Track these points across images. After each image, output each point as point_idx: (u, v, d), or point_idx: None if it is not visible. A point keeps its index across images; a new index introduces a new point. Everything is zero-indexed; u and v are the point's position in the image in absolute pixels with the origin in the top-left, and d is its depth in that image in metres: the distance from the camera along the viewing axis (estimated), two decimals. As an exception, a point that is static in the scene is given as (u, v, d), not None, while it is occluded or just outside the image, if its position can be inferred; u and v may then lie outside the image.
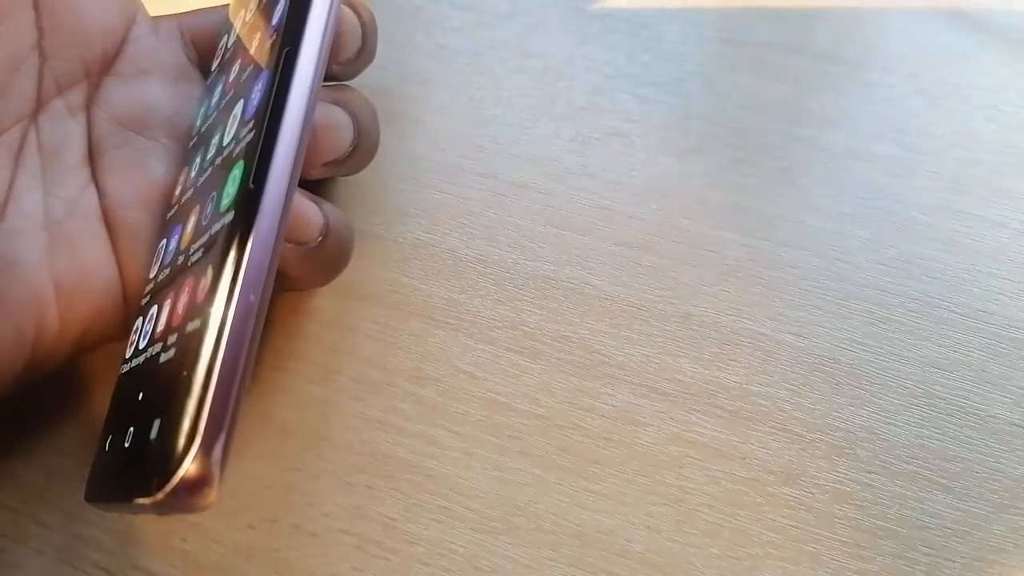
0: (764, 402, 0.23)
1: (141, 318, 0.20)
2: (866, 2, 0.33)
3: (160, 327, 0.19)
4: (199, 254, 0.18)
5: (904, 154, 0.28)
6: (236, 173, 0.18)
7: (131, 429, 0.17)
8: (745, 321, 0.25)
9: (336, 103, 0.22)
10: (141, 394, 0.18)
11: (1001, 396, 0.23)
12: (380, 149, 0.29)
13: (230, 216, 0.17)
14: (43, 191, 0.21)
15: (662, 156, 0.28)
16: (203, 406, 0.15)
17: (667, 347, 0.24)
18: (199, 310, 0.17)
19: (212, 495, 0.15)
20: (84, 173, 0.22)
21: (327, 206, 0.22)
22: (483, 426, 0.23)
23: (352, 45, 0.23)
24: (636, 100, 0.30)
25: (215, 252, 0.17)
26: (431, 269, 0.26)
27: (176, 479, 0.15)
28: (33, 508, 0.22)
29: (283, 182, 0.17)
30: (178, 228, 0.20)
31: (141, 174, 0.22)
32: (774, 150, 0.28)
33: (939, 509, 0.21)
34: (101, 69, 0.23)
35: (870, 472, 0.22)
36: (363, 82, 0.30)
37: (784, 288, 0.25)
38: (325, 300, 0.25)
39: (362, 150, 0.23)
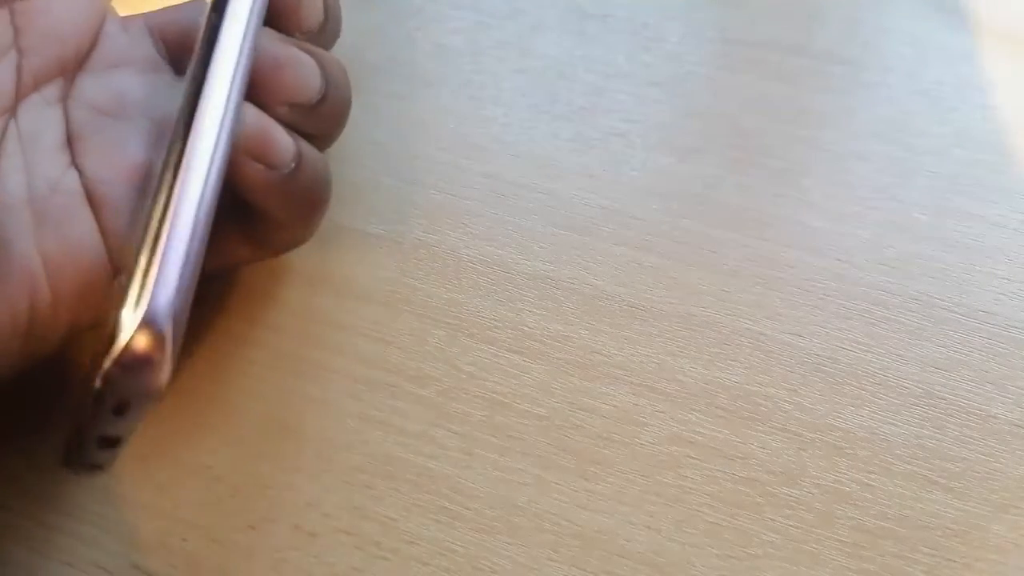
0: (764, 402, 0.23)
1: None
2: (866, 2, 0.33)
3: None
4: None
5: (904, 154, 0.28)
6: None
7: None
8: (745, 321, 0.25)
9: (301, 50, 0.23)
10: None
11: (1001, 396, 0.23)
12: (380, 149, 0.29)
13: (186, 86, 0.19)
14: (26, 173, 0.22)
15: (662, 156, 0.28)
16: (148, 273, 0.16)
17: (667, 347, 0.24)
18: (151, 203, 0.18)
19: (163, 370, 0.15)
20: (64, 157, 0.22)
21: (302, 142, 0.22)
22: (483, 426, 0.23)
23: (313, 16, 0.23)
24: (636, 100, 0.30)
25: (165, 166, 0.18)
26: (431, 269, 0.26)
27: (117, 349, 0.15)
28: (33, 508, 0.22)
29: (226, 76, 0.19)
30: None
31: (120, 153, 0.23)
32: (774, 150, 0.28)
33: (939, 509, 0.21)
34: (75, 66, 0.24)
35: (870, 472, 0.22)
36: (363, 82, 0.30)
37: (784, 288, 0.25)
38: (325, 300, 0.25)
39: (332, 103, 0.23)
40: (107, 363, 0.15)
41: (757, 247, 0.26)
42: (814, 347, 0.24)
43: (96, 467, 0.19)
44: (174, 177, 0.18)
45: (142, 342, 0.16)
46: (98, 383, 0.16)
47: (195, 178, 0.18)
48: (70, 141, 0.23)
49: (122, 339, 0.15)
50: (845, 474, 0.22)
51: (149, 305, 0.16)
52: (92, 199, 0.22)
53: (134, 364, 0.16)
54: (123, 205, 0.22)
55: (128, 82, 0.24)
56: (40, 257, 0.21)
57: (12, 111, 0.22)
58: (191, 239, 0.17)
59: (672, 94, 0.30)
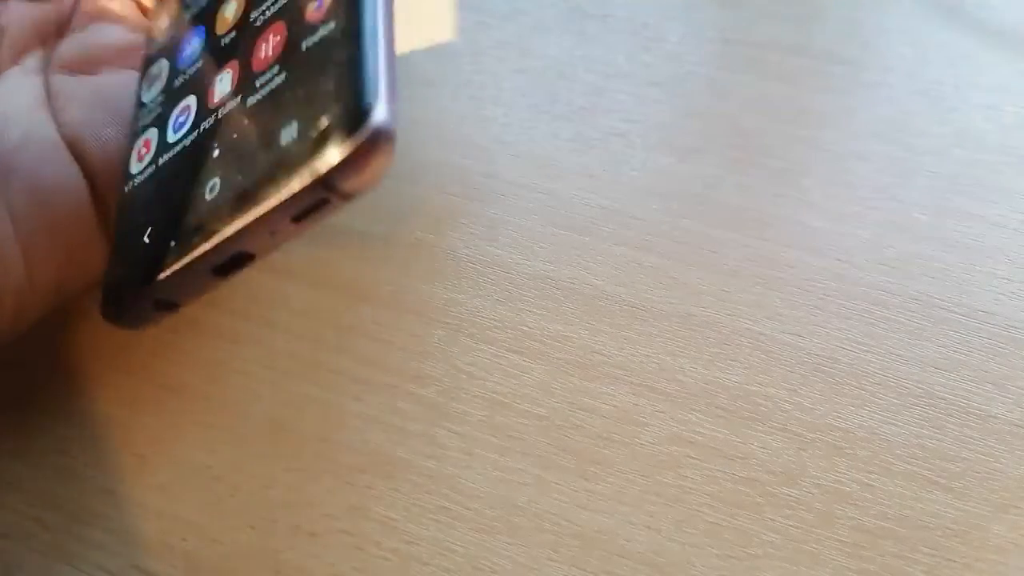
0: (764, 402, 0.23)
1: (158, 128, 0.21)
2: (866, 2, 0.33)
3: (236, 83, 0.20)
4: (278, 4, 0.20)
5: (904, 154, 0.28)
6: None
7: (215, 180, 0.19)
8: (745, 321, 0.25)
9: None
10: (220, 147, 0.19)
11: (1001, 396, 0.23)
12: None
13: None
14: None
15: (662, 156, 0.28)
16: (369, 70, 0.17)
17: (667, 347, 0.24)
18: (328, 16, 0.18)
19: (393, 150, 0.17)
20: (41, 114, 0.23)
21: None
22: (483, 426, 0.23)
23: None
24: (636, 100, 0.30)
25: None
26: (431, 269, 0.26)
27: (371, 127, 0.16)
28: (35, 509, 0.22)
29: None
30: (194, 33, 0.22)
31: (100, 103, 0.23)
32: (774, 150, 0.28)
33: (939, 509, 0.21)
34: (57, 32, 0.24)
35: (870, 472, 0.22)
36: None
37: (784, 288, 0.25)
38: (325, 300, 0.25)
39: None
40: (351, 141, 0.16)
41: (757, 247, 0.26)
42: (814, 347, 0.24)
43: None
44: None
45: (378, 149, 0.17)
46: (334, 165, 0.17)
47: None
48: (49, 100, 0.23)
49: (372, 117, 0.16)
50: (845, 474, 0.22)
51: (374, 107, 0.17)
52: (73, 146, 0.22)
53: (379, 139, 0.17)
54: (111, 148, 0.22)
55: (106, 34, 0.24)
56: (7, 211, 0.20)
57: None
58: (388, 44, 0.18)
59: (672, 94, 0.30)
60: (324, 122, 0.17)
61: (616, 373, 0.24)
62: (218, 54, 0.21)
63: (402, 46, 0.32)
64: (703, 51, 0.31)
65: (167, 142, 0.21)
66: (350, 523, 0.22)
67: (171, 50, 0.23)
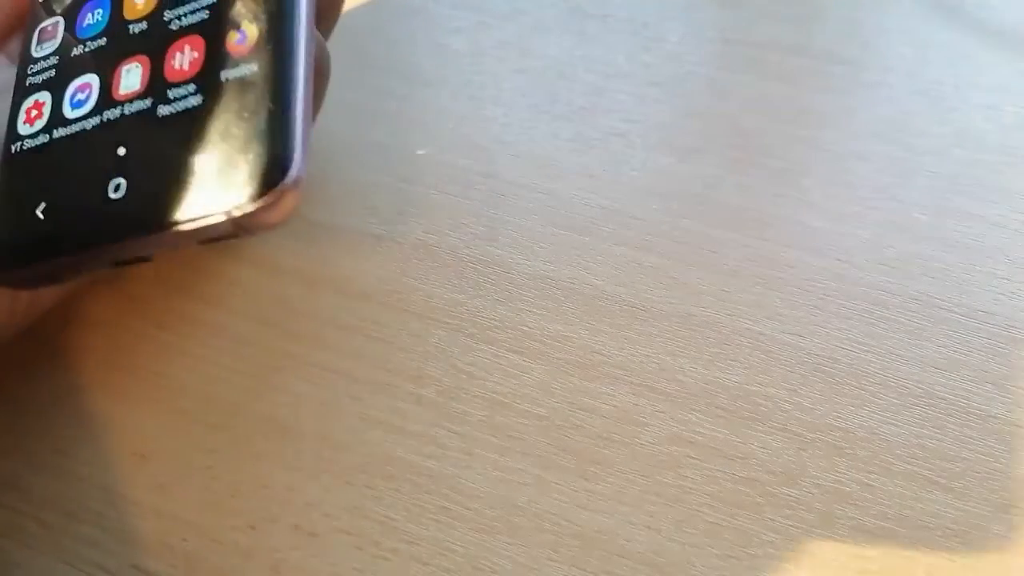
0: (764, 402, 0.23)
1: (51, 94, 0.21)
2: (866, 2, 0.33)
3: (146, 84, 0.20)
4: (196, 16, 0.20)
5: (904, 154, 0.28)
6: None
7: (119, 180, 0.19)
8: (745, 321, 0.25)
9: None
10: (127, 147, 0.19)
11: (1001, 396, 0.23)
12: (380, 149, 0.29)
13: None
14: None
15: (662, 156, 0.28)
16: (290, 124, 0.18)
17: (667, 347, 0.24)
18: (250, 56, 0.19)
19: (301, 193, 0.18)
20: None
21: None
22: (483, 426, 0.23)
23: None
24: (636, 100, 0.30)
25: (258, 7, 0.19)
26: (431, 269, 0.26)
27: (289, 179, 0.17)
28: (33, 508, 0.22)
29: None
30: (97, 4, 0.22)
31: None
32: (774, 150, 0.28)
33: (939, 509, 0.21)
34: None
35: (870, 472, 0.22)
36: (363, 83, 0.31)
37: (784, 288, 0.25)
38: (325, 300, 0.25)
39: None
40: (264, 199, 0.17)
41: (757, 247, 0.26)
42: (814, 347, 0.24)
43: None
44: (281, 44, 0.19)
45: (291, 197, 0.18)
46: (241, 212, 0.17)
47: (301, 39, 0.19)
48: None
49: (289, 174, 0.17)
50: (845, 474, 0.22)
51: (293, 160, 0.18)
52: None
53: (291, 192, 0.18)
54: None
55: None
56: None
57: None
58: (306, 96, 0.19)
59: (672, 94, 0.30)
60: (243, 166, 0.18)
61: (616, 373, 0.24)
62: (125, 41, 0.21)
63: (402, 46, 0.32)
64: (703, 51, 0.31)
65: (64, 116, 0.21)
66: (350, 523, 0.22)
67: (69, 11, 0.23)
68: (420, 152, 0.29)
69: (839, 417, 0.23)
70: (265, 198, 0.17)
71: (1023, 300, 0.25)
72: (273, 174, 0.17)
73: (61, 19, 0.23)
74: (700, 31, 0.32)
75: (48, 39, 0.23)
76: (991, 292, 0.25)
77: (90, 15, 0.22)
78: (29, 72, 0.22)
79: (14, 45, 0.24)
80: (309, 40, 0.19)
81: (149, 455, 0.23)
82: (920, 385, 0.23)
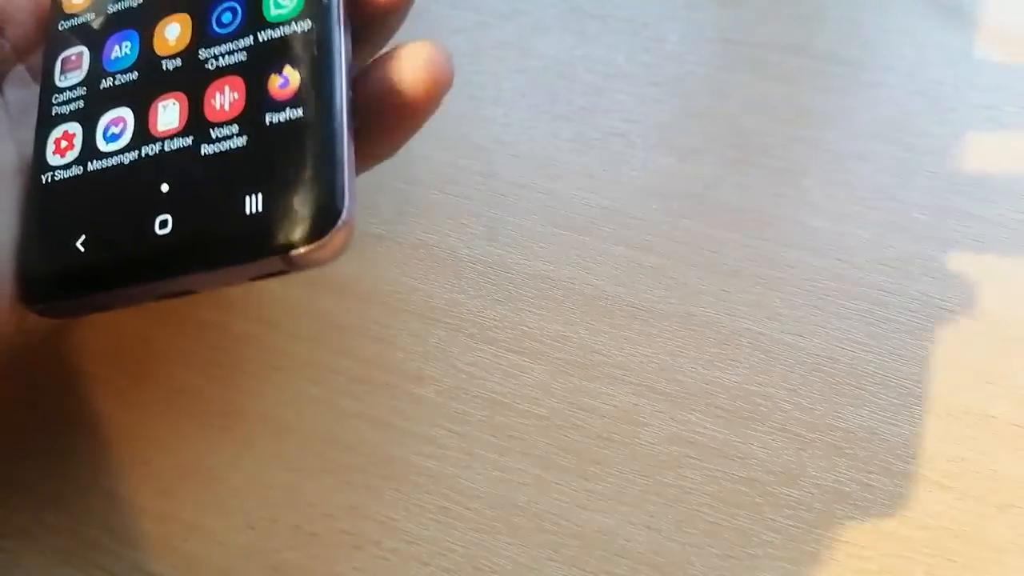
0: (764, 402, 0.23)
1: (82, 125, 0.21)
2: (866, 2, 0.33)
3: (185, 121, 0.20)
4: (235, 58, 0.20)
5: (904, 154, 0.28)
6: None
7: (166, 216, 0.19)
8: (745, 321, 0.25)
9: None
10: (170, 184, 0.19)
11: (1001, 396, 0.23)
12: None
13: (307, 23, 0.20)
14: (15, 143, 0.21)
15: (662, 156, 0.28)
16: (341, 167, 0.18)
17: (667, 347, 0.24)
18: (295, 100, 0.19)
19: (352, 235, 0.18)
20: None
21: None
22: (483, 426, 0.23)
23: None
24: (636, 100, 0.30)
25: (298, 52, 0.20)
26: (431, 269, 0.26)
27: (341, 222, 0.18)
28: (36, 510, 0.22)
29: None
30: (124, 36, 0.22)
31: None
32: (774, 150, 0.28)
33: (939, 509, 0.21)
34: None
35: (870, 472, 0.22)
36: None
37: (784, 288, 0.25)
38: (325, 300, 0.25)
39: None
40: (316, 242, 0.18)
41: (757, 247, 0.26)
42: (814, 347, 0.24)
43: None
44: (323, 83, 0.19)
45: (342, 237, 0.18)
46: (298, 255, 0.18)
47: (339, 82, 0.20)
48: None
49: (340, 219, 0.18)
50: (845, 474, 0.22)
51: (344, 204, 0.18)
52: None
53: (343, 236, 0.18)
54: None
55: None
56: None
57: None
58: (351, 138, 0.19)
59: (672, 94, 0.30)
60: (294, 210, 0.18)
61: (616, 373, 0.24)
62: (158, 77, 0.21)
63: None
64: (703, 51, 0.31)
65: (97, 149, 0.21)
66: (350, 523, 0.22)
67: (93, 42, 0.22)
68: (420, 152, 0.29)
69: (839, 417, 0.23)
70: (319, 241, 0.18)
71: (1023, 300, 0.25)
72: (326, 217, 0.18)
73: (85, 49, 0.22)
74: (700, 31, 0.32)
75: (72, 69, 0.22)
76: (991, 292, 0.25)
77: (117, 47, 0.22)
78: (54, 101, 0.22)
79: (35, 58, 0.23)
80: (349, 84, 0.20)
81: (150, 456, 0.23)
82: (920, 385, 0.23)
